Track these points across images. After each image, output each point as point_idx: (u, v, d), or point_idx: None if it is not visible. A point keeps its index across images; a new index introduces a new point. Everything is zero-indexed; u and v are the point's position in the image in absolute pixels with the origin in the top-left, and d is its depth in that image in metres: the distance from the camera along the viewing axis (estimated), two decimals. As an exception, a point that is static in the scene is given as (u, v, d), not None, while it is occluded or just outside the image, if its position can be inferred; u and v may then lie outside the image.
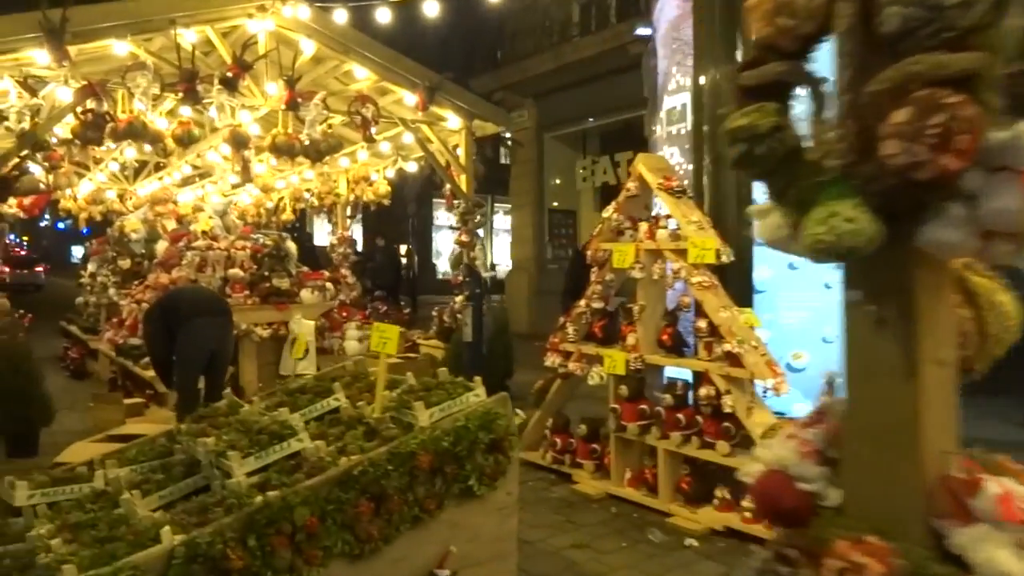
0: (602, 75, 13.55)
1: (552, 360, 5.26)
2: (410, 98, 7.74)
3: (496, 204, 37.43)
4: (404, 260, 18.19)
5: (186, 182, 11.29)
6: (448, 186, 8.45)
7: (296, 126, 7.28)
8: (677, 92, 5.19)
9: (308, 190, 10.97)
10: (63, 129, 6.60)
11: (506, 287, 17.21)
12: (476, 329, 7.48)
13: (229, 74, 6.51)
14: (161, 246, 8.21)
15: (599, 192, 15.96)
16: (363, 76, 7.53)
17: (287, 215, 12.37)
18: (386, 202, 10.15)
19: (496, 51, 16.53)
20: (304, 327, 7.18)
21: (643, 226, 4.67)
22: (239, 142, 6.81)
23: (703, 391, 4.28)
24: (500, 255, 37.14)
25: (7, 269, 9.07)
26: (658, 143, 5.52)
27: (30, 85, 5.82)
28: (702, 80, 4.86)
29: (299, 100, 6.93)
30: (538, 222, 15.93)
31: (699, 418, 4.39)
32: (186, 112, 6.73)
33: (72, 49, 5.81)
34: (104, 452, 3.80)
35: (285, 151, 7.03)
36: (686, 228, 4.39)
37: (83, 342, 9.94)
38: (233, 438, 3.21)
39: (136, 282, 9.98)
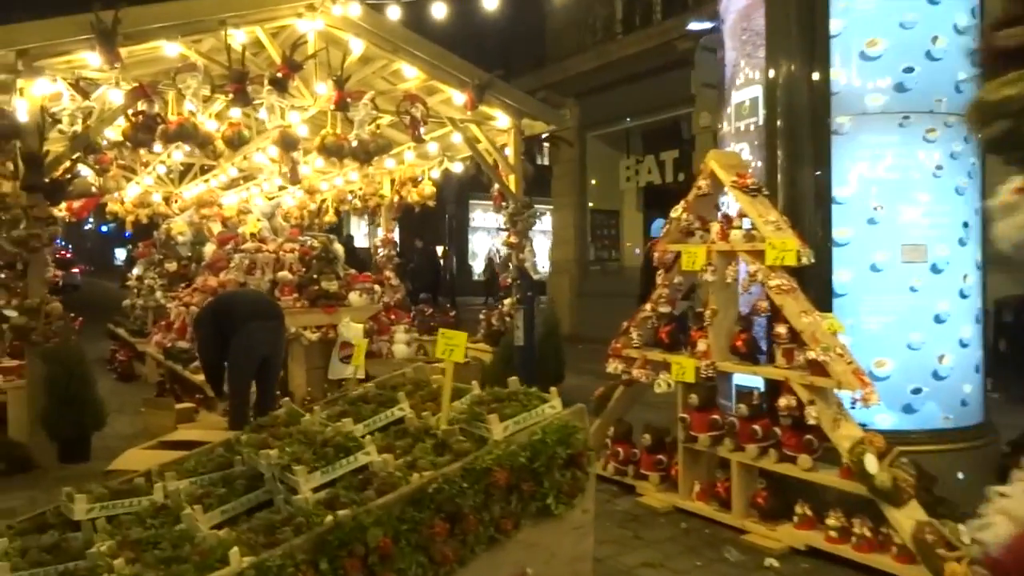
0: (647, 73, 13.28)
1: (614, 366, 5.05)
2: (459, 97, 7.57)
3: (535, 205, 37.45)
4: (442, 262, 18.14)
5: (231, 185, 11.30)
6: (496, 187, 8.27)
7: (344, 127, 7.17)
8: (746, 86, 4.93)
9: (352, 192, 10.89)
10: (114, 131, 6.57)
11: (547, 289, 17.02)
12: (528, 332, 7.29)
13: (279, 75, 6.41)
14: (209, 249, 8.16)
15: (642, 192, 15.69)
16: (412, 75, 7.40)
17: (330, 217, 12.33)
18: (431, 203, 10.02)
19: (537, 50, 16.31)
20: (353, 330, 7.06)
21: (715, 226, 4.43)
22: (289, 143, 6.71)
23: (783, 401, 4.02)
24: (539, 257, 37.00)
25: (60, 272, 9.09)
26: (725, 140, 5.26)
27: (82, 87, 5.79)
28: (772, 73, 4.61)
29: (348, 100, 6.82)
30: (580, 223, 15.70)
31: (777, 430, 4.13)
32: (235, 114, 6.65)
33: (123, 51, 5.76)
34: (158, 460, 3.70)
35: (334, 152, 6.93)
36: (763, 228, 4.14)
37: (131, 345, 9.97)
38: (296, 450, 3.06)
39: (182, 285, 10.03)
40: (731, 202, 4.74)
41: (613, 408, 5.19)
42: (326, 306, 7.03)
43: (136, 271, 10.54)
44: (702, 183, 4.53)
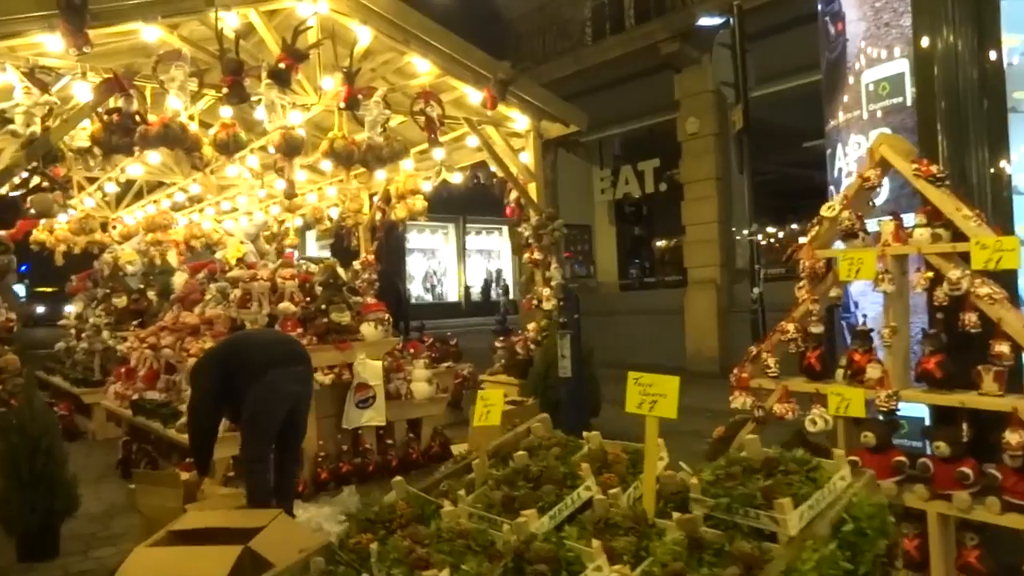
0: (626, 79, 12.67)
1: (740, 400, 4.16)
2: (474, 95, 6.63)
3: (468, 224, 36.67)
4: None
5: (192, 204, 9.88)
6: (512, 197, 7.34)
7: (351, 128, 6.10)
8: (877, 63, 4.21)
9: (335, 206, 9.64)
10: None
11: (520, 309, 16.11)
12: (575, 362, 6.35)
13: (281, 65, 5.32)
14: (179, 279, 6.88)
15: (612, 205, 15.04)
16: (424, 70, 6.40)
17: (291, 239, 11.06)
18: (423, 219, 8.94)
19: (500, 54, 15.48)
20: (370, 370, 5.97)
21: (887, 225, 3.63)
22: (292, 148, 5.59)
23: (1014, 437, 3.23)
24: (473, 277, 36.21)
25: (13, 316, 7.55)
26: (842, 131, 4.51)
27: (39, 79, 4.55)
28: (926, 42, 3.89)
29: (360, 97, 5.76)
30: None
31: (995, 472, 3.34)
32: (226, 113, 5.49)
33: (90, 33, 4.56)
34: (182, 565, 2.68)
35: (343, 158, 5.86)
36: (963, 225, 3.37)
37: (72, 396, 8.47)
38: (478, 570, 2.04)
39: (134, 323, 8.63)
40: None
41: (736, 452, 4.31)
42: (338, 342, 5.91)
43: (74, 308, 9.01)
44: (870, 174, 3.72)
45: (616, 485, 2.51)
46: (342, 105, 5.72)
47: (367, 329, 6.15)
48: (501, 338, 7.63)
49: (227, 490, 4.62)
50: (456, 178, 8.35)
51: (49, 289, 21.05)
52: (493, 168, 7.93)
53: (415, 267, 33.95)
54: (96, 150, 4.95)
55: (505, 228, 36.88)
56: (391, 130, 6.21)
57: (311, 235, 17.54)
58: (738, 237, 11.93)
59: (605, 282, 14.95)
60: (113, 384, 7.05)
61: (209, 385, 4.33)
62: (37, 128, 4.44)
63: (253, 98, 5.38)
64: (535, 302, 7.11)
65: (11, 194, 4.36)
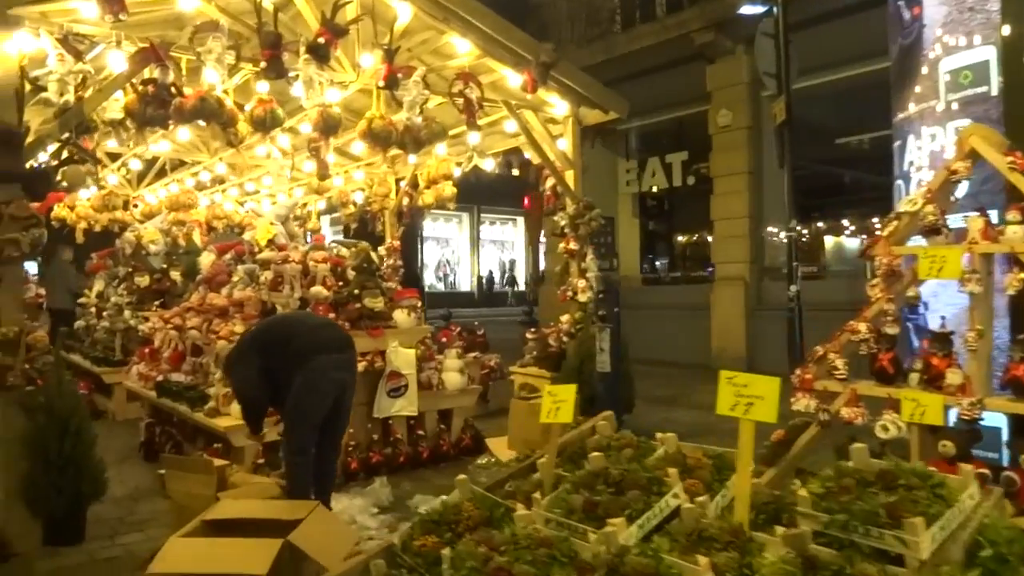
0: (656, 68, 12.39)
1: (804, 403, 3.95)
2: (514, 78, 6.41)
3: (483, 214, 36.46)
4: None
5: (215, 184, 9.70)
6: (547, 185, 7.13)
7: (388, 109, 5.89)
8: (957, 51, 3.98)
9: (359, 190, 9.40)
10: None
11: (540, 300, 15.90)
12: (614, 356, 6.15)
13: (320, 40, 5.11)
14: (206, 259, 6.70)
15: (637, 198, 14.78)
16: (464, 50, 6.17)
17: (313, 224, 10.88)
18: (451, 206, 8.72)
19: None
20: (403, 358, 5.78)
21: (975, 222, 3.41)
22: (329, 127, 5.39)
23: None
24: (486, 267, 36.00)
25: (42, 292, 7.41)
26: (910, 123, 4.28)
27: (73, 45, 4.35)
28: (1007, 30, 3.66)
29: (399, 76, 5.56)
30: (575, 230, 14.64)
31: (1090, 489, 3.13)
32: (262, 89, 5.29)
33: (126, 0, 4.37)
34: (217, 557, 2.53)
35: (381, 140, 5.64)
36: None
37: (92, 375, 8.33)
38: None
39: (156, 303, 8.48)
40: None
41: (797, 455, 4.11)
42: (371, 328, 5.72)
43: (96, 286, 8.85)
44: (959, 166, 3.49)
45: (702, 492, 2.32)
46: (381, 84, 5.51)
47: (400, 316, 5.97)
48: (532, 329, 7.42)
49: (260, 478, 4.45)
50: (488, 165, 8.10)
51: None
52: (527, 155, 7.72)
53: (428, 256, 33.78)
54: (129, 123, 4.76)
55: (520, 219, 36.73)
56: (427, 112, 6.00)
57: (325, 219, 17.33)
58: (771, 232, 11.68)
59: (628, 275, 14.70)
60: (136, 364, 6.89)
61: (245, 371, 4.16)
62: (71, 97, 4.24)
63: (290, 74, 5.17)
64: (569, 293, 6.90)
65: (42, 166, 4.14)
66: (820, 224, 15.98)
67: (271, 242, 6.22)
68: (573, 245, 6.90)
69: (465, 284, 35.66)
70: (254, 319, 5.64)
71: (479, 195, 27.00)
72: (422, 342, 6.20)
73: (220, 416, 5.21)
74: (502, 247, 38.00)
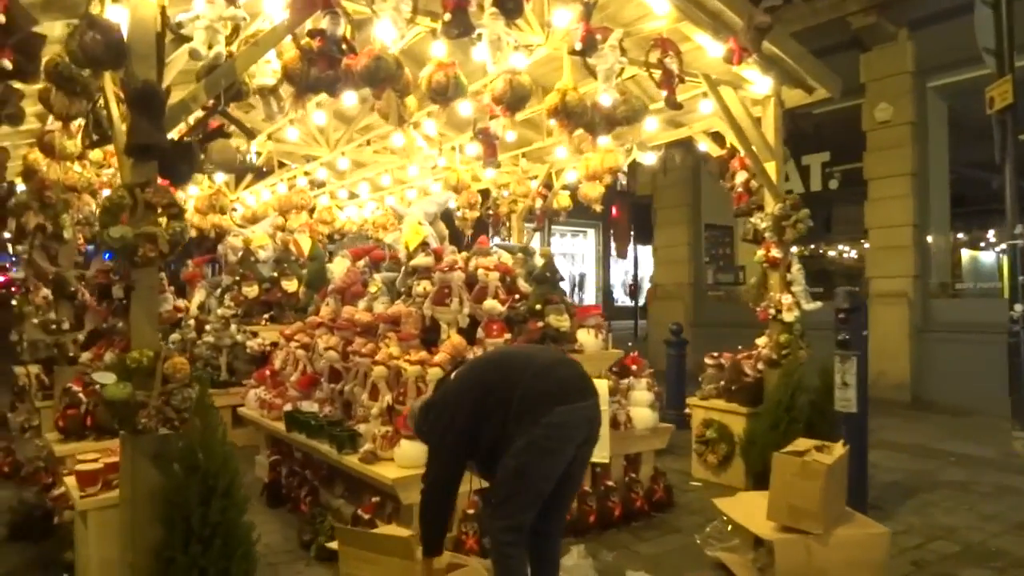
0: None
1: None
2: (713, 48, 5.23)
3: (553, 227, 35.27)
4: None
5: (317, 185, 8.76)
6: (740, 179, 5.92)
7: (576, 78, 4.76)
8: None
9: (503, 186, 8.27)
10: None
11: (649, 315, 14.62)
12: (861, 392, 4.88)
13: (511, -11, 4.01)
14: (340, 266, 5.67)
15: (758, 204, 13.43)
16: (663, 11, 5.02)
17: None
18: (598, 208, 7.52)
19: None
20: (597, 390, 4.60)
21: None
22: (518, 99, 4.28)
23: None
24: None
25: (182, 304, 6.54)
26: None
27: (225, -16, 3.33)
28: None
29: (598, 38, 4.42)
30: (693, 240, 13.36)
31: None
32: (438, 51, 4.21)
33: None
34: None
35: (575, 117, 4.52)
36: None
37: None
38: None
39: (266, 316, 7.54)
40: None
41: None
42: (556, 353, 4.57)
43: (196, 297, 7.95)
44: None
45: None
46: (578, 46, 4.38)
47: (585, 337, 4.81)
48: (714, 353, 6.16)
49: (463, 558, 3.31)
50: (649, 159, 6.92)
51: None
52: (703, 145, 6.52)
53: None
54: (284, 89, 3.73)
55: (591, 231, 35.47)
56: (624, 84, 4.86)
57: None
58: (935, 242, 10.21)
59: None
60: (254, 388, 5.90)
61: (457, 422, 3.03)
62: (222, 49, 3.23)
63: (473, 34, 4.09)
64: (772, 311, 5.64)
65: (186, 140, 3.12)
66: (960, 235, 14.22)
67: (425, 245, 5.15)
68: (776, 252, 5.65)
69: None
70: (413, 339, 4.56)
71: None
72: (608, 370, 5.03)
73: (380, 462, 4.12)
74: (572, 260, 36.86)
